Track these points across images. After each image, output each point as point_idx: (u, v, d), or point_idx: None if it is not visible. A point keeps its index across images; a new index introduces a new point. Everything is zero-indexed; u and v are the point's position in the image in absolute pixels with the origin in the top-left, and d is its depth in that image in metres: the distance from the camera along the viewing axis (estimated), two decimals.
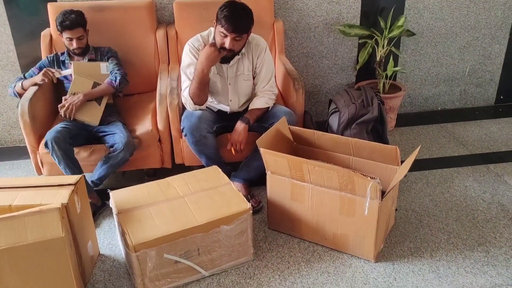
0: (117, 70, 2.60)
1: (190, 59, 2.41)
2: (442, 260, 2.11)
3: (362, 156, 2.27)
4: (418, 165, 2.80)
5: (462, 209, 2.44)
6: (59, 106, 2.45)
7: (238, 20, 2.23)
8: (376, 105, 2.54)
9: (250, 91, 2.56)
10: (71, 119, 2.45)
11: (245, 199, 2.09)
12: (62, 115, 2.45)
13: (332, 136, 2.33)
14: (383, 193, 1.96)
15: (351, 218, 2.05)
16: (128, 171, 2.73)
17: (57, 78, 2.59)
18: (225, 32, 2.25)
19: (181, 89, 2.51)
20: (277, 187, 2.21)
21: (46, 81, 2.53)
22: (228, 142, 2.41)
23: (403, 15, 3.19)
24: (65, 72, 2.58)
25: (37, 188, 1.88)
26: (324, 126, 2.74)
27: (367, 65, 3.28)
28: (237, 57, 2.43)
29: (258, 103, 2.47)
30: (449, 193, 2.58)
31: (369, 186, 1.91)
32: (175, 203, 2.06)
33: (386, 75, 3.17)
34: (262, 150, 2.14)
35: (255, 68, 2.49)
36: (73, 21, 2.51)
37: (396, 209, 2.38)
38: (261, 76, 2.49)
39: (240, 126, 2.40)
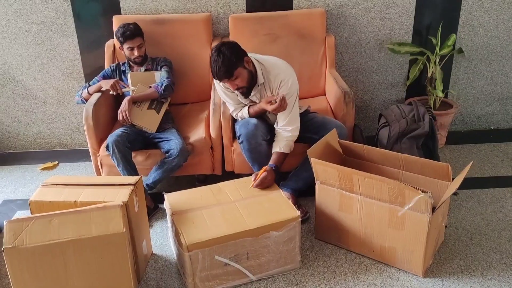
0: (166, 77, 2.73)
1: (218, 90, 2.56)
2: (494, 279, 2.06)
3: (412, 171, 2.27)
4: (469, 183, 2.75)
5: None
6: (118, 112, 2.61)
7: (216, 69, 2.26)
8: (428, 121, 2.54)
9: None
10: (129, 123, 2.59)
11: (294, 207, 2.14)
12: (120, 120, 2.59)
13: (381, 151, 2.34)
14: (433, 209, 1.96)
15: (400, 231, 2.05)
16: (180, 176, 2.83)
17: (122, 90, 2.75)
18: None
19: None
20: (326, 197, 2.24)
21: (113, 92, 2.69)
22: (255, 179, 2.30)
23: (454, 33, 3.16)
24: (126, 90, 2.73)
25: (100, 186, 2.01)
26: (373, 141, 2.76)
27: (417, 81, 3.27)
28: (256, 87, 2.45)
29: (283, 147, 2.42)
30: (502, 213, 2.52)
31: (417, 197, 1.91)
32: (227, 207, 2.13)
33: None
34: (312, 160, 2.18)
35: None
36: (133, 31, 2.68)
37: (446, 226, 2.35)
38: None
39: (269, 174, 2.31)
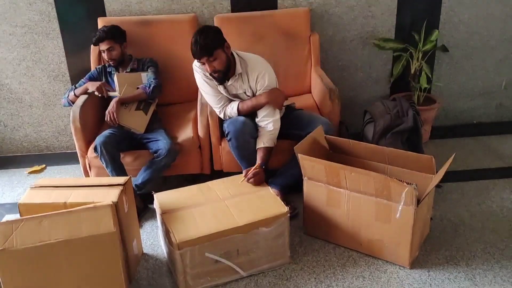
0: (153, 78, 2.75)
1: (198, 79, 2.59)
2: (478, 268, 2.12)
3: (397, 165, 2.32)
4: (453, 176, 2.81)
5: (499, 220, 2.44)
6: (106, 113, 2.61)
7: (197, 46, 2.31)
8: (411, 116, 2.59)
9: None
10: (116, 125, 2.60)
11: (282, 203, 2.17)
12: (107, 121, 2.60)
13: (367, 145, 2.39)
14: (418, 200, 2.00)
15: (387, 224, 2.09)
16: (169, 176, 2.85)
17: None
18: (198, 60, 2.39)
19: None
20: (314, 193, 2.28)
21: (98, 94, 2.69)
22: (245, 175, 2.36)
23: (436, 29, 3.23)
24: (112, 94, 2.73)
25: (89, 187, 2.02)
26: (358, 137, 2.80)
27: (401, 77, 3.32)
28: (234, 77, 2.51)
29: (267, 141, 2.47)
30: (486, 204, 2.58)
31: (405, 191, 1.95)
32: (216, 205, 2.15)
33: (421, 87, 3.21)
34: (300, 156, 2.22)
35: (256, 93, 2.53)
36: (101, 34, 2.70)
37: (431, 218, 2.40)
38: None
39: (260, 172, 2.37)
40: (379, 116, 2.65)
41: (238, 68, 2.50)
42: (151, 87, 2.70)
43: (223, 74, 2.45)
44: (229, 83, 2.53)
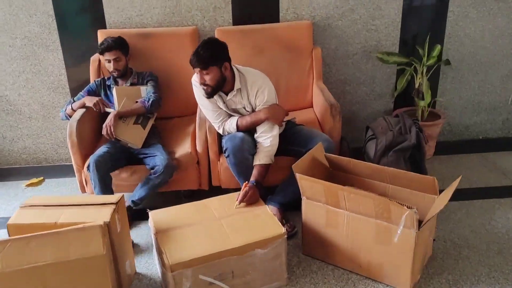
0: (153, 92, 2.71)
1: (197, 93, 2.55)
2: None
3: (399, 184, 2.25)
4: (457, 195, 2.68)
5: (504, 242, 2.37)
6: (103, 126, 2.57)
7: (196, 55, 2.30)
8: (414, 133, 2.53)
9: None
10: (113, 138, 2.55)
11: (280, 223, 2.11)
12: (104, 135, 2.55)
13: (368, 165, 2.32)
14: (420, 223, 1.94)
15: (387, 246, 2.03)
16: (166, 192, 2.80)
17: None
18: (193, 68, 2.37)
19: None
20: (312, 212, 2.22)
21: (95, 109, 2.66)
22: (238, 198, 2.26)
23: (439, 44, 3.17)
24: (110, 110, 2.68)
25: (81, 206, 1.97)
26: (360, 153, 2.74)
27: (405, 92, 3.26)
28: (233, 92, 2.47)
29: (262, 158, 2.42)
30: (491, 225, 2.51)
31: (405, 215, 1.89)
32: (211, 224, 2.10)
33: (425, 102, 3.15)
34: (298, 175, 2.16)
35: (255, 108, 2.50)
36: (110, 43, 2.67)
37: (434, 239, 2.33)
38: None
39: (251, 190, 2.28)
40: (381, 133, 2.59)
41: (237, 83, 2.46)
42: (150, 101, 2.67)
43: (212, 89, 2.41)
44: (228, 97, 2.49)
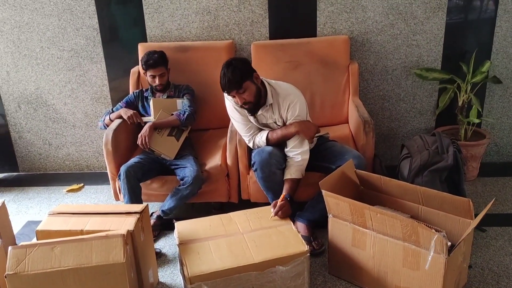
0: (188, 106, 2.75)
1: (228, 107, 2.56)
2: None
3: (432, 206, 2.15)
4: (500, 220, 2.59)
5: None
6: (138, 140, 2.63)
7: (225, 80, 2.30)
8: (452, 153, 2.41)
9: None
10: (147, 149, 2.61)
11: (303, 241, 2.06)
12: (139, 144, 2.62)
13: (399, 183, 2.24)
14: (451, 247, 1.83)
15: (415, 271, 1.93)
16: (196, 203, 2.82)
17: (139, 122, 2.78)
18: (228, 93, 2.37)
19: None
20: (339, 231, 2.16)
21: (129, 122, 2.74)
22: (274, 210, 2.26)
23: (488, 60, 3.02)
24: (147, 119, 2.76)
25: (107, 215, 2.02)
26: (394, 171, 2.65)
27: (448, 110, 3.13)
28: (265, 107, 2.45)
29: (294, 173, 2.40)
30: None
31: (434, 239, 1.79)
32: (234, 239, 2.09)
33: (468, 121, 3.00)
34: (324, 192, 2.11)
35: (286, 122, 2.47)
36: (156, 60, 2.73)
37: (470, 266, 2.20)
38: None
39: (286, 203, 2.29)
40: (416, 151, 2.49)
41: (270, 99, 2.45)
42: (185, 115, 2.71)
43: (253, 105, 2.41)
44: (259, 112, 2.49)
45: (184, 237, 2.12)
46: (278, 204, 2.28)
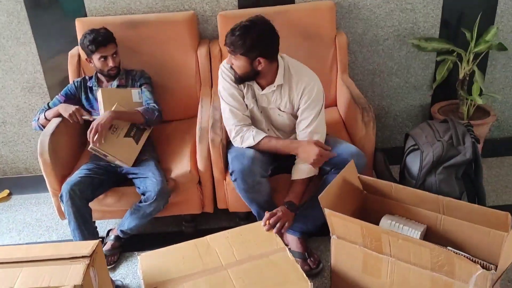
0: (153, 103, 2.22)
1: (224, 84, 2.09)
2: None
3: (456, 216, 1.76)
4: None
5: None
6: (88, 132, 2.06)
7: (231, 34, 1.92)
8: (470, 144, 2.01)
9: (290, 129, 2.13)
10: (99, 148, 2.05)
11: (304, 274, 1.63)
12: (90, 140, 2.05)
13: (415, 192, 1.82)
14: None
15: None
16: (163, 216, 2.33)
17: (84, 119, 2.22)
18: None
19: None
20: (345, 255, 1.74)
21: (71, 121, 2.18)
22: (267, 221, 1.86)
23: (493, 25, 2.61)
24: (89, 117, 2.21)
25: (44, 262, 1.50)
26: (394, 163, 2.24)
27: (446, 83, 2.73)
28: (271, 87, 2.01)
29: (301, 173, 2.02)
30: None
31: (476, 274, 1.40)
32: (216, 277, 1.63)
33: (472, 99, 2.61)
34: (327, 211, 1.67)
35: (297, 109, 2.05)
36: (106, 35, 2.19)
37: None
38: (303, 116, 2.04)
39: (286, 212, 1.94)
40: (426, 143, 2.07)
41: (279, 79, 2.00)
42: (154, 113, 2.18)
43: (238, 77, 2.01)
44: (263, 92, 2.03)
45: (151, 277, 1.65)
46: (276, 215, 1.89)
